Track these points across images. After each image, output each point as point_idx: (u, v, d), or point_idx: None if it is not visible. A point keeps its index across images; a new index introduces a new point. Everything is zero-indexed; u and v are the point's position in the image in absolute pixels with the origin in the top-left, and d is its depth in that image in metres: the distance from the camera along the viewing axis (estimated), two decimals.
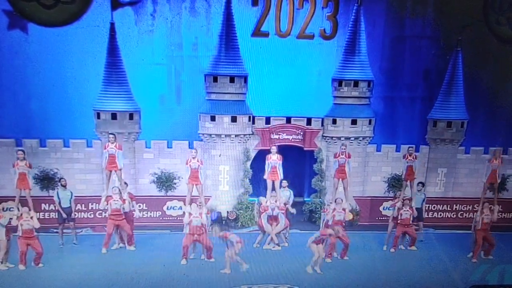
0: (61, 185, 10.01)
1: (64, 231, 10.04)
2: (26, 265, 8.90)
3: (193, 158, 9.77)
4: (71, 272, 8.84)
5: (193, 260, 9.39)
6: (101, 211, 10.26)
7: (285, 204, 10.20)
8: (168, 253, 9.68)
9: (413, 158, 10.48)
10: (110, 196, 9.74)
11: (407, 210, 10.10)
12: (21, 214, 8.88)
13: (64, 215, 9.92)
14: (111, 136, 9.81)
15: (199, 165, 9.81)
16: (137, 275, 8.75)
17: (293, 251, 9.96)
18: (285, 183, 10.41)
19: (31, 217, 8.88)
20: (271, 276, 8.87)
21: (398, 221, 10.14)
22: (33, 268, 8.93)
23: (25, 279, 8.59)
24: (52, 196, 10.23)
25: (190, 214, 9.34)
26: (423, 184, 10.98)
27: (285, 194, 10.42)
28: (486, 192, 10.59)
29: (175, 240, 10.01)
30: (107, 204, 9.69)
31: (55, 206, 10.13)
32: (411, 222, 10.16)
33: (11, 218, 8.90)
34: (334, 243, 9.49)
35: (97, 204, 10.34)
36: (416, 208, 10.41)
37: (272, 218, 10.02)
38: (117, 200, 9.66)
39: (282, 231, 10.17)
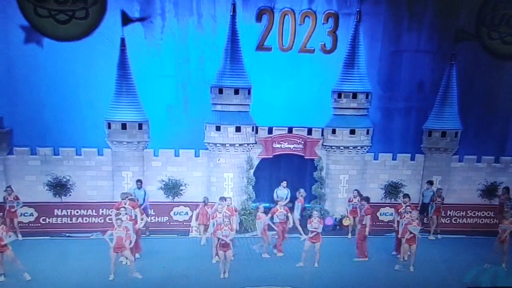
0: (137, 187, 10.62)
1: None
2: None
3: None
4: (72, 274, 9.02)
5: (192, 262, 9.62)
6: (110, 216, 10.37)
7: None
8: (168, 255, 9.97)
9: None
10: None
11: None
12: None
13: None
14: None
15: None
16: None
17: (293, 255, 10.32)
18: (284, 183, 11.10)
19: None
20: (271, 278, 9.13)
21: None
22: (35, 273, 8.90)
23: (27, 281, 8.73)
24: (64, 202, 10.87)
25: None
26: (431, 182, 11.75)
27: (284, 193, 11.03)
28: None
29: (179, 243, 10.67)
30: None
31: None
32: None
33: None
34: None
35: (107, 210, 10.75)
36: (425, 204, 11.63)
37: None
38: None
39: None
